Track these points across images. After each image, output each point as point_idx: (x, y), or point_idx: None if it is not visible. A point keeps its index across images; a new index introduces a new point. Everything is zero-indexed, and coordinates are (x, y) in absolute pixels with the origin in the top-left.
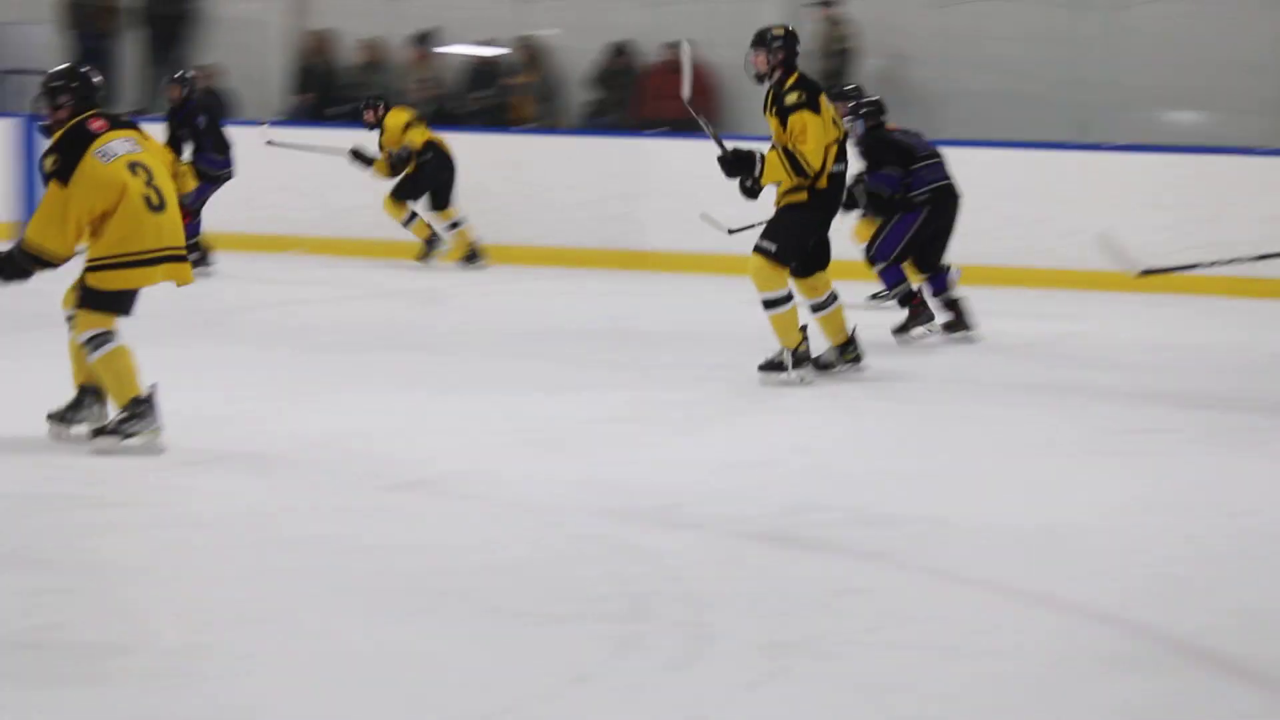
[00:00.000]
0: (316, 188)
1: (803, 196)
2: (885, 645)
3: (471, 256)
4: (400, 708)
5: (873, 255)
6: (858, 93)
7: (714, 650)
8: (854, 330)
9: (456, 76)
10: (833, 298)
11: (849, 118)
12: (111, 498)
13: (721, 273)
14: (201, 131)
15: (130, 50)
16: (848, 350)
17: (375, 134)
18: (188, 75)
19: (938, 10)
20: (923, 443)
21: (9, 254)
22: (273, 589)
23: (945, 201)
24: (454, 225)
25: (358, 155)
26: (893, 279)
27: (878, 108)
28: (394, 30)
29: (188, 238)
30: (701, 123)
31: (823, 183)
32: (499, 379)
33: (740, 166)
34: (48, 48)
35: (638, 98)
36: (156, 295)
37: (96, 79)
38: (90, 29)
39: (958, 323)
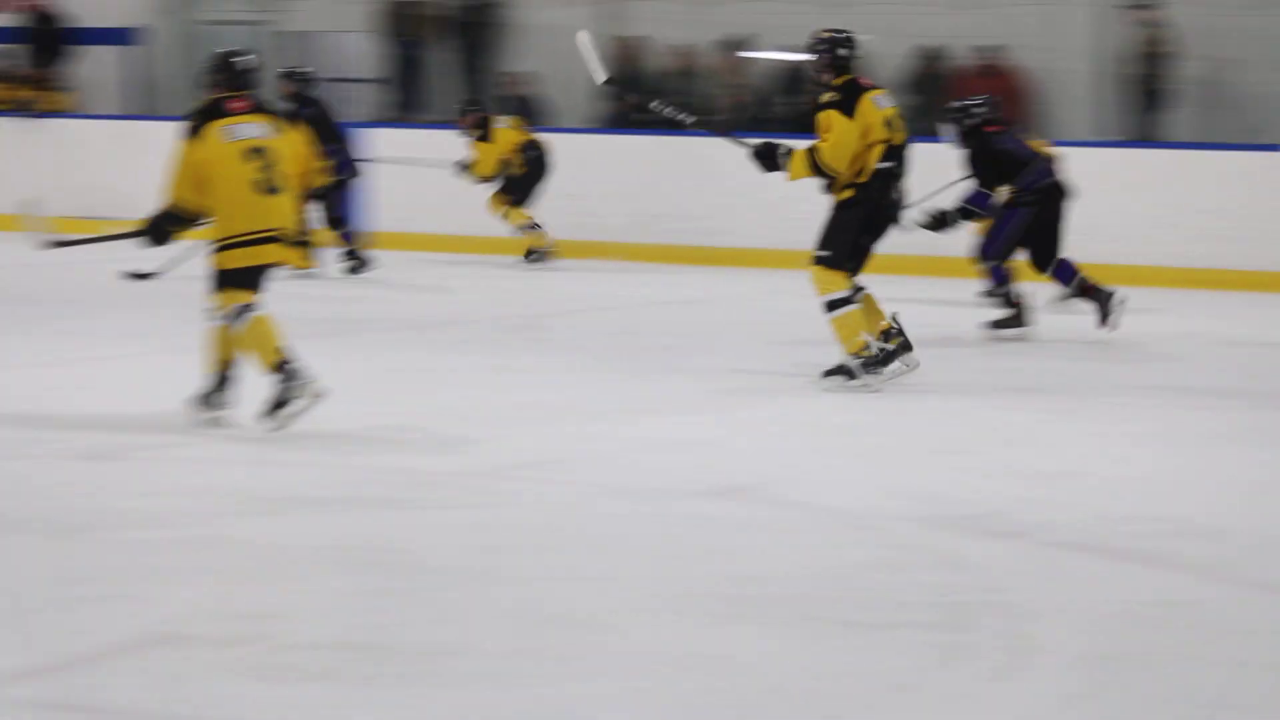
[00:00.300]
0: (633, 191)
1: (849, 194)
2: (1215, 661)
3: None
4: (720, 715)
5: (981, 253)
6: (987, 103)
7: (1037, 662)
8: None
9: (766, 82)
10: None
11: (950, 126)
12: (436, 500)
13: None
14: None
15: (446, 58)
16: (890, 337)
17: (470, 141)
18: (298, 72)
19: (1259, 13)
20: (1223, 453)
21: (149, 218)
22: (597, 593)
23: (1053, 199)
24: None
25: (465, 169)
26: (1000, 278)
27: (965, 112)
28: (705, 36)
29: (345, 244)
30: (665, 112)
31: (864, 178)
32: (807, 387)
33: (770, 159)
34: (365, 56)
35: (947, 102)
36: (468, 300)
37: (247, 66)
38: (406, 37)
39: (1103, 311)
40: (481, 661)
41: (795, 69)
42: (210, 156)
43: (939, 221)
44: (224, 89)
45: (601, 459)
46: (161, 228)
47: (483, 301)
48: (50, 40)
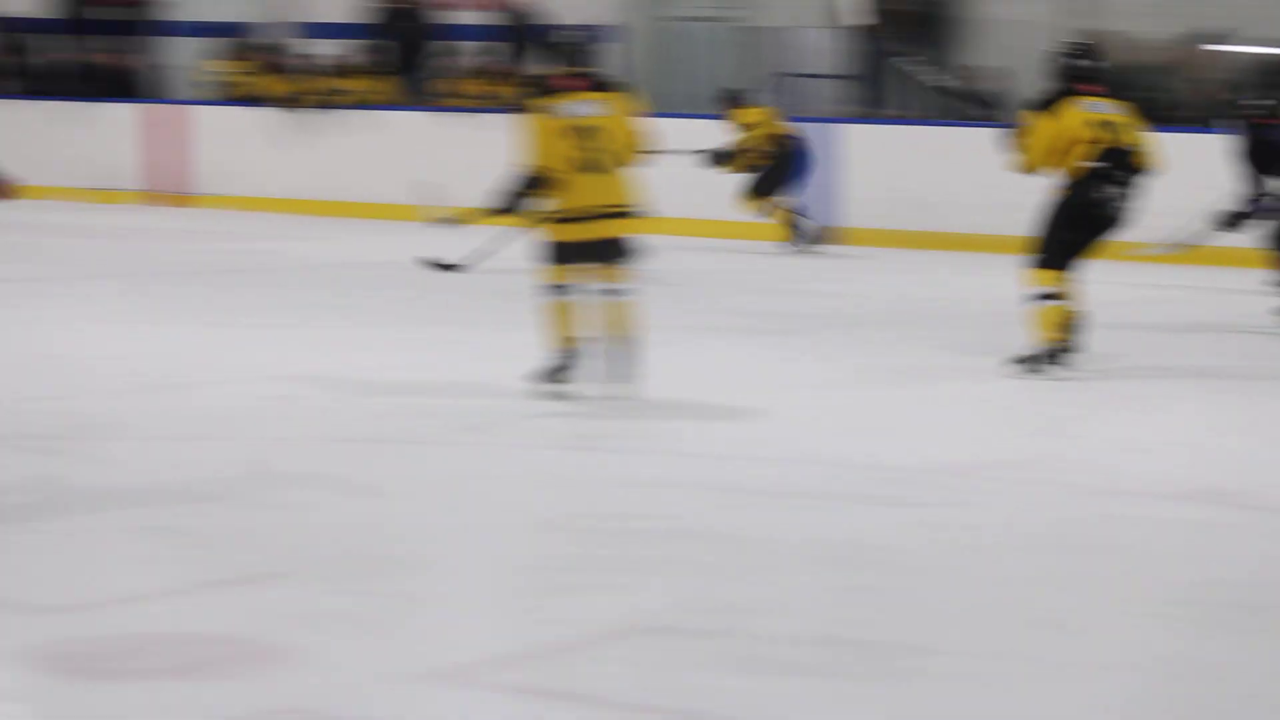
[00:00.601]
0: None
1: (1061, 193)
2: None
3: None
4: None
5: (1275, 243)
6: (1260, 96)
7: None
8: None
9: (1237, 77)
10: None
11: (1229, 121)
12: (909, 498)
13: None
14: None
15: (910, 54)
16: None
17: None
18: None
19: None
20: None
21: (503, 188)
22: (1076, 596)
23: None
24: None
25: (718, 157)
26: None
27: (1237, 107)
28: (1182, 30)
29: None
30: (924, 75)
31: (1074, 175)
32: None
33: (1004, 148)
34: (830, 52)
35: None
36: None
37: (576, 47)
38: (871, 32)
39: None
40: (961, 662)
41: (1268, 64)
42: (535, 135)
43: (1231, 222)
44: (561, 67)
45: (1074, 460)
46: (514, 193)
47: (924, 296)
48: (525, 38)
